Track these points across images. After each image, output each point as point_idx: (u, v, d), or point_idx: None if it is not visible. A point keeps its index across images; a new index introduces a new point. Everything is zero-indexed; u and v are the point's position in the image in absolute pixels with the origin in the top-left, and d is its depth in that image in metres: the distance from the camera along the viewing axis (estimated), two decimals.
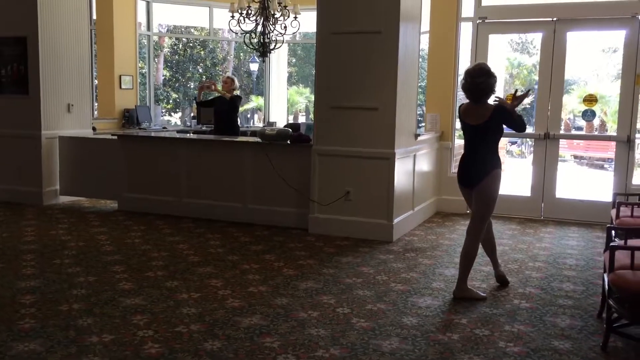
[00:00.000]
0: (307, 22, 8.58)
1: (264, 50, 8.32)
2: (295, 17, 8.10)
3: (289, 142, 6.47)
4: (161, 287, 4.29)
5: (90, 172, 7.43)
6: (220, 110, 7.99)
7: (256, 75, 18.87)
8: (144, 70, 12.40)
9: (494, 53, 8.30)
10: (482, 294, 4.30)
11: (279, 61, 12.75)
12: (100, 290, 4.19)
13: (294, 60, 21.72)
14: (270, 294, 4.23)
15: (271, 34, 8.24)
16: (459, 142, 8.64)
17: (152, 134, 8.17)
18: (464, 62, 7.85)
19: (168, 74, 20.62)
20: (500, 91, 10.83)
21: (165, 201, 6.93)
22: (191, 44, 20.42)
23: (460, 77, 6.74)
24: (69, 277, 4.49)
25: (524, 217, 7.28)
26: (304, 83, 23.26)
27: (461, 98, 9.58)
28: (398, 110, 5.86)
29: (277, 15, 8.13)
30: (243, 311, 3.86)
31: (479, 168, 4.28)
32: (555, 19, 7.13)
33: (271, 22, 8.14)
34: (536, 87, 7.72)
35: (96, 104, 10.17)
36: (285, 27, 8.19)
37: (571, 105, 18.27)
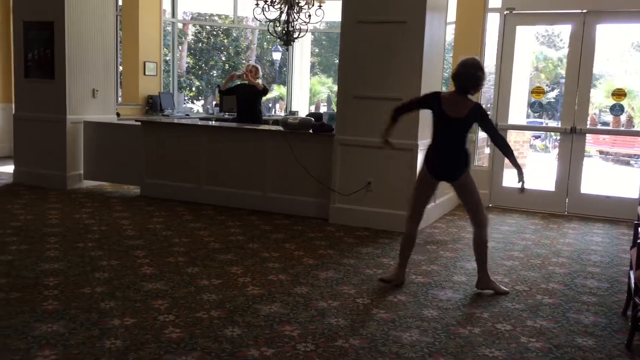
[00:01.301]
0: (331, 10, 8.53)
1: (287, 39, 8.29)
2: (320, 6, 8.05)
3: (311, 131, 6.45)
4: (182, 273, 4.32)
5: (113, 157, 7.49)
6: (244, 98, 7.97)
7: (279, 64, 18.85)
8: (167, 58, 12.46)
9: (520, 46, 8.18)
10: (505, 289, 4.25)
11: (302, 50, 12.72)
12: (122, 274, 4.22)
13: (317, 50, 21.63)
14: (290, 282, 4.23)
15: (295, 23, 8.21)
16: (483, 135, 8.55)
17: (175, 121, 8.21)
18: (490, 54, 7.75)
19: (191, 62, 20.69)
20: (526, 85, 10.70)
21: (186, 188, 6.96)
22: (215, 32, 20.44)
23: (487, 70, 6.65)
24: (91, 260, 4.54)
25: (548, 212, 7.19)
26: (327, 73, 23.17)
27: (485, 91, 9.47)
28: None
29: (302, 3, 8.09)
30: (263, 299, 3.86)
31: (460, 162, 4.17)
32: (585, 10, 6.99)
33: (295, 11, 8.10)
34: (562, 80, 7.61)
35: (120, 90, 10.25)
36: (309, 15, 8.15)
37: (597, 99, 17.95)
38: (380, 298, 3.98)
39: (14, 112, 7.99)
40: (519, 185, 4.23)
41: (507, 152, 4.19)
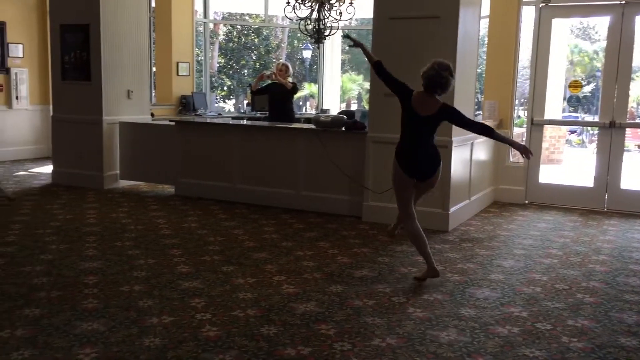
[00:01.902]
0: (362, 7, 8.48)
1: (318, 37, 8.28)
2: (351, 3, 8.03)
3: (343, 129, 6.43)
4: (217, 272, 4.35)
5: (148, 157, 7.59)
6: (276, 97, 7.99)
7: (309, 62, 18.86)
8: (199, 58, 12.57)
9: (555, 39, 8.02)
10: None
11: (333, 48, 12.69)
12: (159, 273, 4.27)
13: (347, 47, 21.56)
14: (324, 281, 4.22)
15: (326, 21, 8.19)
16: (518, 131, 8.43)
17: (208, 121, 8.28)
18: (525, 48, 7.62)
19: (222, 61, 20.85)
20: (561, 79, 10.49)
21: (220, 187, 7.01)
22: (245, 32, 20.56)
23: (521, 64, 6.54)
24: (129, 259, 4.61)
25: (586, 209, 7.03)
26: (357, 70, 23.08)
27: (519, 85, 9.31)
28: (455, 98, 5.69)
29: (333, 1, 8.07)
30: (298, 297, 3.86)
31: (432, 161, 4.27)
32: (624, 1, 6.80)
33: (326, 8, 8.09)
34: (599, 74, 7.42)
35: (154, 91, 10.39)
36: (340, 13, 8.12)
37: (635, 92, 17.49)
38: (416, 297, 3.95)
39: (51, 113, 8.17)
40: (524, 157, 4.31)
41: (491, 134, 4.23)
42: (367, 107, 6.99)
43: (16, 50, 9.89)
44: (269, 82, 8.13)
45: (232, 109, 15.76)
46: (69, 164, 7.73)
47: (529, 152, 4.20)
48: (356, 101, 22.00)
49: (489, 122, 7.04)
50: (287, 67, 8.04)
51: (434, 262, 4.32)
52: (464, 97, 5.97)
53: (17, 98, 9.97)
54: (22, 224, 5.60)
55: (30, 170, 8.96)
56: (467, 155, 6.28)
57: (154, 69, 10.34)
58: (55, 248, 4.85)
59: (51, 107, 8.28)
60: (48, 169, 8.45)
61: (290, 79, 8.03)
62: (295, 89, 7.99)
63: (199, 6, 11.17)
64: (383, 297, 3.93)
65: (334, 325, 3.42)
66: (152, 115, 8.43)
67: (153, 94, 10.16)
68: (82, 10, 7.37)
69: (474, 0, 5.99)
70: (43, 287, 3.91)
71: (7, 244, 4.93)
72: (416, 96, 4.24)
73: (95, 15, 7.29)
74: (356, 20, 12.37)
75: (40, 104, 10.29)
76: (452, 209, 5.86)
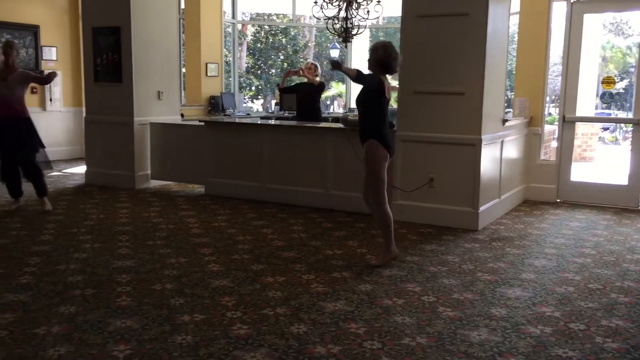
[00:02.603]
0: (390, 5, 8.46)
1: (346, 35, 8.28)
2: (379, 1, 8.01)
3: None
4: (247, 270, 4.38)
5: (178, 157, 7.69)
6: (304, 97, 8.01)
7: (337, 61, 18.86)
8: (228, 58, 12.67)
9: (587, 35, 7.87)
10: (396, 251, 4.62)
11: (361, 46, 12.65)
12: (190, 272, 4.33)
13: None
14: (354, 280, 4.22)
15: (354, 19, 8.19)
16: (549, 128, 8.29)
17: (237, 120, 8.34)
18: (556, 44, 7.49)
19: (250, 62, 20.98)
20: (594, 75, 10.29)
21: (249, 186, 7.07)
22: (273, 32, 20.65)
23: (552, 60, 6.44)
24: (160, 257, 4.68)
25: (620, 207, 6.90)
26: None
27: (550, 81, 9.15)
28: (485, 95, 5.67)
29: (360, 0, 8.06)
30: (327, 296, 3.87)
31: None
32: None
33: (354, 7, 8.08)
34: (632, 70, 7.25)
35: (184, 91, 10.51)
36: (368, 11, 8.11)
37: None
38: (446, 296, 3.93)
39: (84, 115, 8.33)
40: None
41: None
42: (395, 106, 6.96)
43: (50, 53, 10.11)
44: (297, 81, 8.15)
45: (260, 109, 15.86)
46: (101, 164, 7.88)
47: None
48: None
49: (519, 119, 6.97)
50: (315, 66, 8.05)
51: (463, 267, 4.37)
52: (494, 94, 5.92)
53: (50, 100, 10.19)
54: (57, 224, 5.73)
55: (64, 171, 9.15)
56: (497, 153, 6.21)
57: (183, 70, 10.46)
58: (89, 247, 4.95)
59: (84, 108, 8.45)
60: (81, 169, 8.61)
61: (318, 79, 8.04)
62: (322, 85, 7.99)
63: (227, 7, 11.27)
64: (412, 296, 3.91)
65: (363, 324, 3.42)
66: (182, 115, 8.53)
67: (183, 95, 10.28)
68: (113, 13, 7.50)
69: None
70: (78, 285, 4.00)
71: (43, 242, 5.05)
72: (384, 81, 4.55)
73: (126, 17, 7.41)
74: (384, 18, 12.32)
75: (73, 105, 10.50)
76: (481, 208, 5.81)
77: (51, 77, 6.33)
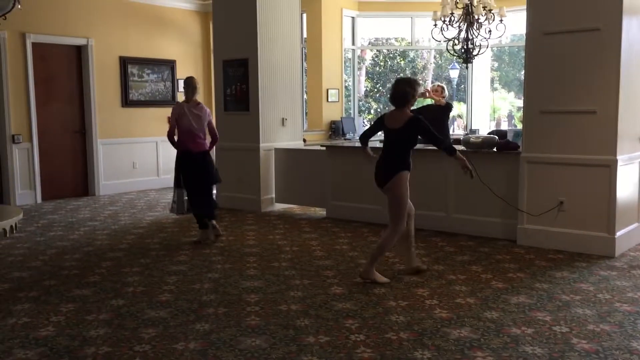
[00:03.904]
0: (513, 24, 8.24)
1: (467, 56, 8.16)
2: (501, 20, 7.83)
3: (495, 149, 6.25)
4: (370, 294, 4.42)
5: (301, 181, 7.94)
6: (431, 119, 7.92)
7: (456, 82, 18.58)
8: (347, 83, 12.93)
9: None
10: (385, 279, 4.66)
11: (482, 66, 12.40)
12: (314, 294, 4.44)
13: (496, 64, 20.95)
14: (479, 306, 4.12)
15: (475, 39, 8.06)
16: None
17: (357, 145, 8.45)
18: None
19: (369, 85, 21.22)
20: None
21: (369, 209, 7.12)
22: (391, 55, 20.79)
23: None
24: (286, 279, 4.84)
25: None
26: (508, 87, 22.28)
27: None
28: (620, 113, 5.34)
29: (482, 19, 7.92)
30: (451, 322, 3.81)
31: (388, 169, 4.72)
32: None
33: (475, 27, 7.96)
34: None
35: (306, 117, 10.86)
36: (489, 31, 7.95)
37: None
38: (580, 327, 3.71)
39: None
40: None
41: (451, 153, 4.76)
42: (519, 126, 6.74)
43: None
44: (425, 103, 8.11)
45: (380, 132, 15.97)
46: (230, 188, 8.32)
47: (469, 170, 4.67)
48: (506, 120, 21.19)
49: None
50: (442, 88, 7.94)
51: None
52: (631, 112, 5.56)
53: None
54: (192, 245, 6.11)
55: None
56: (635, 174, 5.80)
57: (305, 96, 10.82)
58: (221, 267, 5.23)
59: None
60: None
61: (444, 101, 7.92)
62: (449, 107, 7.88)
63: (347, 34, 11.53)
64: (543, 325, 3.74)
65: (490, 353, 3.32)
66: (304, 140, 8.81)
67: (305, 121, 10.62)
68: (242, 45, 7.96)
69: (639, 9, 5.57)
70: (211, 304, 4.24)
71: (180, 262, 5.42)
72: (389, 113, 4.88)
73: (254, 49, 7.83)
74: (507, 37, 11.99)
75: None
76: (618, 233, 5.43)
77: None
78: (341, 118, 10.77)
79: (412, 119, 4.69)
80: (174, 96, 10.67)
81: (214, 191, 6.59)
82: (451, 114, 8.34)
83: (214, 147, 6.56)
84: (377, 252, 4.71)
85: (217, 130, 6.66)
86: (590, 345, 3.43)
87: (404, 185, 4.71)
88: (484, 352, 3.34)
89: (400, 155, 4.73)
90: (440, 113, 7.81)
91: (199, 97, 6.40)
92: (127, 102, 10.03)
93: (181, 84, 10.78)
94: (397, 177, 4.67)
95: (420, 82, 4.93)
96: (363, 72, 20.44)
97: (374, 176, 4.89)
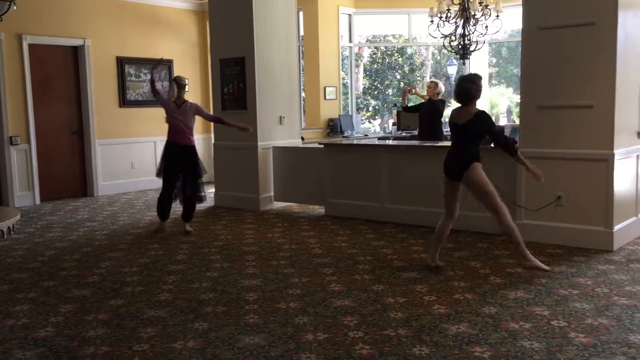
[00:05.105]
0: (509, 19, 8.24)
1: (464, 52, 8.17)
2: (497, 16, 7.83)
3: (492, 145, 6.24)
4: (368, 290, 4.42)
5: (299, 179, 7.94)
6: (424, 116, 7.97)
7: (454, 78, 18.58)
8: (345, 81, 12.92)
9: None
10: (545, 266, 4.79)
11: (479, 62, 12.39)
12: (313, 291, 4.45)
13: (494, 60, 20.94)
14: (477, 302, 4.12)
15: (471, 35, 8.06)
16: None
17: (355, 142, 8.47)
18: None
19: (367, 83, 21.21)
20: None
21: (368, 206, 7.13)
22: (389, 52, 20.78)
23: None
24: (284, 277, 4.85)
25: None
26: (507, 83, 22.28)
27: None
28: (617, 107, 5.34)
29: (478, 15, 7.93)
30: (450, 318, 3.81)
31: (460, 164, 4.84)
32: None
33: (472, 23, 7.96)
34: None
35: (303, 115, 10.86)
36: (486, 27, 7.95)
37: None
38: (578, 321, 3.72)
39: (213, 141, 8.86)
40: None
41: (512, 153, 4.86)
42: (517, 122, 6.74)
43: None
44: (415, 98, 8.13)
45: (378, 129, 15.94)
46: (229, 187, 8.32)
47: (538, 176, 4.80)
48: (505, 115, 21.18)
49: None
50: (435, 84, 7.96)
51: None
52: (627, 106, 5.56)
53: None
54: (190, 244, 6.12)
55: None
56: (632, 168, 5.80)
57: (302, 94, 10.81)
58: (219, 266, 5.24)
59: (212, 135, 8.98)
60: (211, 192, 9.13)
61: (439, 96, 7.93)
62: (442, 103, 7.88)
63: (344, 31, 11.52)
64: (541, 320, 3.75)
65: (488, 348, 3.33)
66: (302, 139, 8.81)
67: (303, 119, 10.61)
68: (238, 44, 7.96)
69: (635, 2, 5.57)
70: (210, 303, 4.24)
71: (178, 262, 5.42)
72: (456, 109, 4.99)
73: (250, 48, 7.83)
74: (504, 32, 11.99)
75: (202, 133, 11.17)
76: (616, 227, 5.44)
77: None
78: (339, 116, 10.76)
79: (478, 113, 4.82)
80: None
81: (202, 188, 6.75)
82: (446, 111, 8.34)
83: (221, 124, 7.07)
84: (511, 240, 4.85)
85: (212, 125, 6.80)
86: (588, 339, 3.43)
87: (481, 173, 4.79)
88: (482, 347, 3.34)
89: (469, 148, 4.87)
90: (435, 111, 7.83)
91: (199, 97, 6.50)
92: (124, 102, 10.03)
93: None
94: (472, 169, 4.78)
95: (481, 76, 5.11)
96: (361, 69, 20.42)
97: (442, 167, 5.09)
